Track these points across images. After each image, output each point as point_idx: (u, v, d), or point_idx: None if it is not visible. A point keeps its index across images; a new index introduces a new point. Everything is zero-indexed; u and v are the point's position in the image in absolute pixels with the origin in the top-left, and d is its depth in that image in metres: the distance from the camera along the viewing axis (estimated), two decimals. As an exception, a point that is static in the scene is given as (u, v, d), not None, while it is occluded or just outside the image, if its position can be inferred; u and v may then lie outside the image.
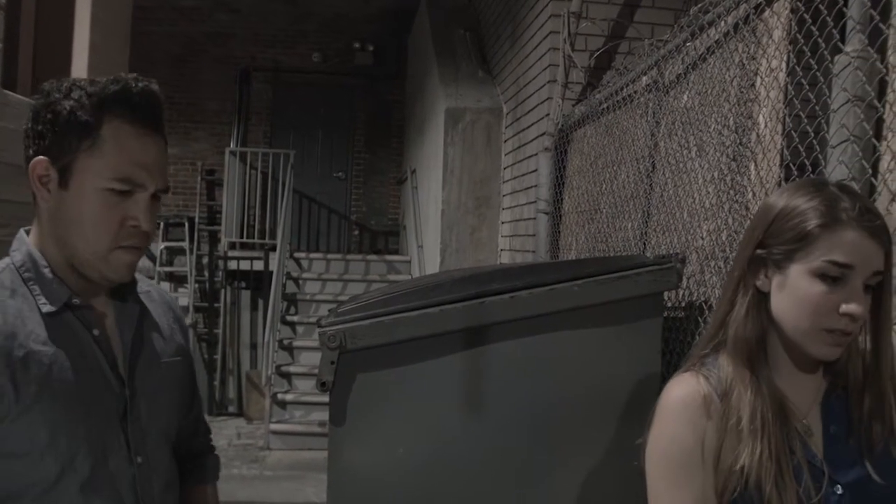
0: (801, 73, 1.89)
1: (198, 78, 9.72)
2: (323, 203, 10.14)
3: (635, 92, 3.11)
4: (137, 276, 1.39)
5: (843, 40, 1.66)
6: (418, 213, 7.54)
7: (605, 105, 3.45)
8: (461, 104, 6.05)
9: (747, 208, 2.16)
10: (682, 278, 2.09)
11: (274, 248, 7.69)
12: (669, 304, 2.41)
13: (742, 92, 2.29)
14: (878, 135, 1.63)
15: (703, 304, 2.29)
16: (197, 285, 8.96)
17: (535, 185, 4.35)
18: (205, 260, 9.17)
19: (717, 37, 2.42)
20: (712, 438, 1.17)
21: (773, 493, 1.10)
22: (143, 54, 7.38)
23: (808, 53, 1.84)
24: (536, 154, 4.41)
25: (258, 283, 8.43)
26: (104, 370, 1.24)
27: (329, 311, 2.06)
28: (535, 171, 4.39)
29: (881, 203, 1.61)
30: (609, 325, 1.99)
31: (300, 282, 7.82)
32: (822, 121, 1.74)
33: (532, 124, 4.80)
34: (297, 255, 8.18)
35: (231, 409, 8.90)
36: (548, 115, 4.30)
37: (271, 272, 7.44)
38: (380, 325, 1.86)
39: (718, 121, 2.41)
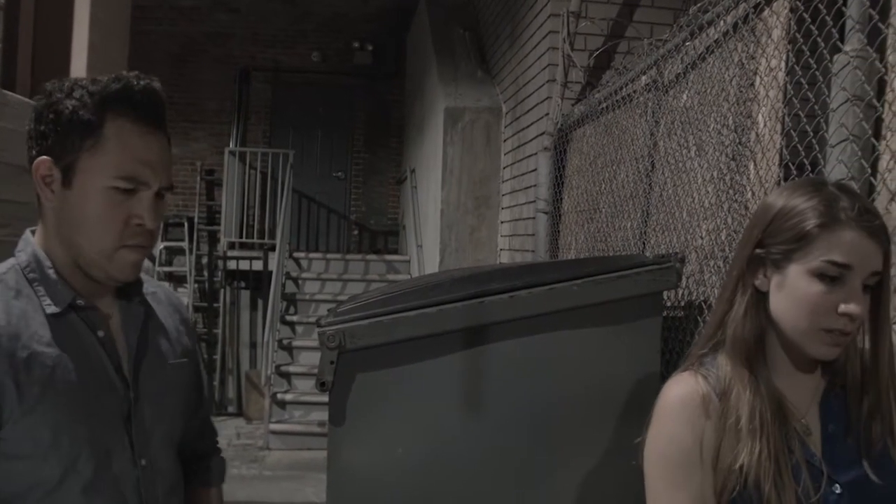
0: (800, 73, 1.89)
1: (197, 78, 9.72)
2: (322, 203, 10.14)
3: (634, 91, 3.11)
4: (144, 276, 1.39)
5: (842, 40, 1.66)
6: (417, 213, 7.54)
7: (604, 104, 3.45)
8: (460, 104, 6.05)
9: (746, 208, 2.16)
10: (682, 278, 2.09)
11: (273, 248, 7.69)
12: (669, 304, 2.41)
13: (741, 91, 2.29)
14: (877, 134, 1.63)
15: (703, 304, 2.29)
16: (196, 285, 8.96)
17: (535, 185, 4.35)
18: (204, 260, 9.17)
19: (716, 36, 2.42)
20: (711, 438, 1.17)
21: (771, 493, 1.10)
22: (143, 54, 7.37)
23: (808, 53, 1.84)
24: (536, 154, 4.41)
25: (257, 282, 8.43)
26: (108, 372, 1.24)
27: (328, 310, 2.06)
28: (535, 170, 4.39)
29: (880, 202, 1.61)
30: (608, 325, 1.99)
31: (299, 281, 7.82)
32: (822, 120, 1.74)
33: (531, 124, 4.80)
34: (296, 254, 8.18)
35: (230, 409, 8.90)
36: (547, 114, 4.30)
37: (270, 272, 7.44)
38: (379, 324, 1.86)
39: (718, 120, 2.41)
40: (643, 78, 3.03)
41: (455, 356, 1.91)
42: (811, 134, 1.82)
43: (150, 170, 1.20)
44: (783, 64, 2.06)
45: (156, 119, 1.23)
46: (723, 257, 2.22)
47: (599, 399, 1.97)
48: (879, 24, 1.60)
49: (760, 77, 2.18)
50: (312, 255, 8.28)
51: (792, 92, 1.96)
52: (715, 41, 2.43)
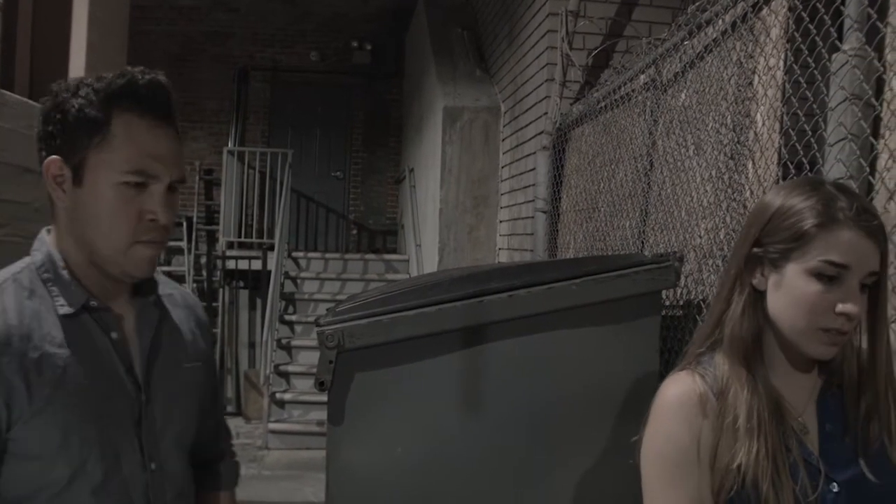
0: (798, 72, 1.89)
1: (196, 77, 9.71)
2: (321, 202, 10.13)
3: (633, 90, 3.11)
4: (161, 278, 1.38)
5: (840, 39, 1.66)
6: (416, 213, 7.54)
7: (602, 104, 3.45)
8: (459, 103, 6.05)
9: (745, 207, 2.16)
10: (681, 277, 2.09)
11: (272, 248, 7.68)
12: (667, 303, 2.41)
13: (740, 90, 2.29)
14: (876, 133, 1.63)
15: (702, 303, 2.29)
16: (195, 285, 8.94)
17: (533, 184, 4.35)
18: (203, 259, 9.16)
19: (714, 35, 2.42)
20: (708, 437, 1.17)
21: (769, 492, 1.11)
22: (142, 53, 7.36)
23: (806, 52, 1.84)
24: (534, 153, 4.41)
25: (256, 282, 8.42)
26: (120, 374, 1.23)
27: (327, 310, 2.06)
28: (533, 169, 4.40)
29: (879, 201, 1.61)
30: (607, 324, 1.99)
31: (298, 281, 7.82)
32: (820, 119, 1.74)
33: (530, 123, 4.80)
34: (295, 254, 8.18)
35: (229, 408, 8.88)
36: (546, 113, 4.30)
37: (269, 271, 7.43)
38: (378, 324, 1.86)
39: (716, 119, 2.41)
40: (642, 77, 3.03)
41: (454, 355, 1.91)
42: (809, 133, 1.82)
43: (159, 163, 1.19)
44: (781, 63, 2.06)
45: (163, 112, 1.22)
46: (721, 256, 2.22)
47: (598, 398, 1.97)
48: (878, 23, 1.60)
49: (759, 76, 2.18)
50: (311, 254, 8.28)
51: (790, 91, 1.96)
52: (713, 40, 2.43)
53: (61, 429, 1.15)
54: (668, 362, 2.21)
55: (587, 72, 4.21)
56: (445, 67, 6.57)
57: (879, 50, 1.62)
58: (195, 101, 9.65)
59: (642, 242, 2.93)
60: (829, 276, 1.12)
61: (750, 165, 2.18)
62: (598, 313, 1.97)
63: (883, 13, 1.63)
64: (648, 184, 2.92)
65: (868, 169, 1.60)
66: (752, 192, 2.15)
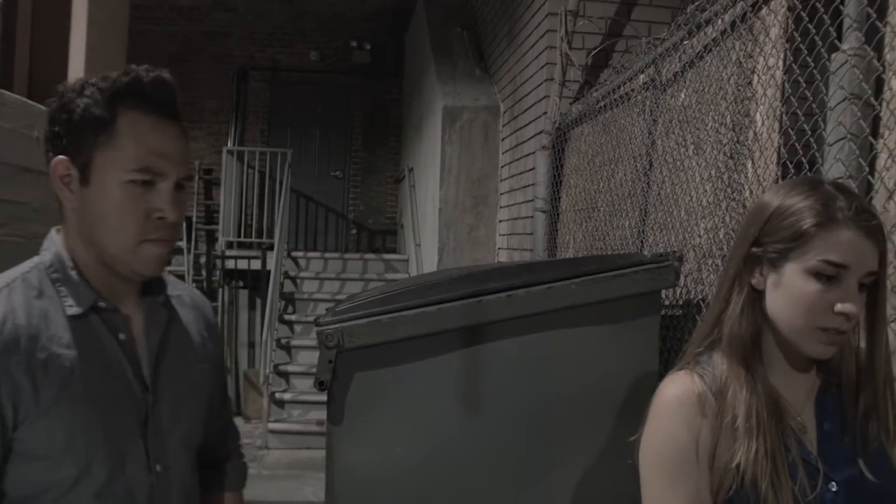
0: (797, 71, 1.89)
1: (195, 77, 9.70)
2: (320, 202, 10.13)
3: (632, 90, 3.11)
4: (171, 278, 1.38)
5: (839, 38, 1.66)
6: (416, 212, 7.54)
7: (602, 103, 3.45)
8: (458, 103, 6.05)
9: (745, 206, 2.16)
10: (680, 276, 2.09)
11: (271, 248, 7.67)
12: (667, 303, 2.41)
13: (739, 90, 2.29)
14: (875, 132, 1.63)
15: (701, 303, 2.29)
16: (194, 285, 8.93)
17: (533, 184, 4.35)
18: (202, 259, 9.15)
19: (714, 35, 2.42)
20: (707, 437, 1.17)
21: (768, 492, 1.11)
22: (141, 53, 7.32)
23: (805, 51, 1.84)
24: (534, 152, 4.41)
25: (256, 282, 8.42)
26: (127, 375, 1.22)
27: (327, 309, 2.06)
28: (533, 169, 4.40)
29: (878, 200, 1.61)
30: (607, 324, 1.99)
31: (298, 281, 7.82)
32: (819, 118, 1.74)
33: (529, 123, 4.80)
34: (294, 254, 8.18)
35: (229, 408, 8.88)
36: (545, 113, 4.30)
37: (269, 271, 7.43)
38: (377, 323, 1.86)
39: (716, 119, 2.41)
40: (641, 76, 3.03)
41: (453, 355, 1.91)
42: (809, 132, 1.82)
43: (166, 160, 1.19)
44: (781, 62, 2.06)
45: (168, 109, 1.22)
46: (721, 256, 2.22)
47: (597, 398, 1.97)
48: (877, 23, 1.60)
49: (758, 76, 2.18)
50: (311, 254, 8.28)
51: (790, 90, 1.96)
52: (713, 40, 2.43)
53: (67, 429, 1.15)
54: (668, 362, 2.21)
55: (586, 71, 4.21)
56: (445, 67, 6.57)
57: (879, 49, 1.62)
58: (194, 100, 9.64)
59: (642, 242, 2.93)
60: (827, 276, 1.12)
61: (749, 165, 2.18)
62: (597, 313, 1.97)
63: (882, 13, 1.63)
64: (648, 183, 2.92)
65: (867, 168, 1.60)
66: (751, 192, 2.15)
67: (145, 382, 1.24)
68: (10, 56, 3.20)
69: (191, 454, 1.35)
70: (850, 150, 1.59)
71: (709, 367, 1.22)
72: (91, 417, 1.16)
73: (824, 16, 1.74)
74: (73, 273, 1.21)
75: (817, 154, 1.77)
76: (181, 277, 8.74)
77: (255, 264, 8.24)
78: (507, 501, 1.95)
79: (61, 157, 1.19)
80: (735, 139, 2.28)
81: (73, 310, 1.19)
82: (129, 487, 1.21)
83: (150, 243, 1.20)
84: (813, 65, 1.81)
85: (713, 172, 2.38)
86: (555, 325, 1.95)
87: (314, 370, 1.87)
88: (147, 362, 1.26)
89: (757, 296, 1.20)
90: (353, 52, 9.87)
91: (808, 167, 1.85)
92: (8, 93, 2.80)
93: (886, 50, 1.64)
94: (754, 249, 1.19)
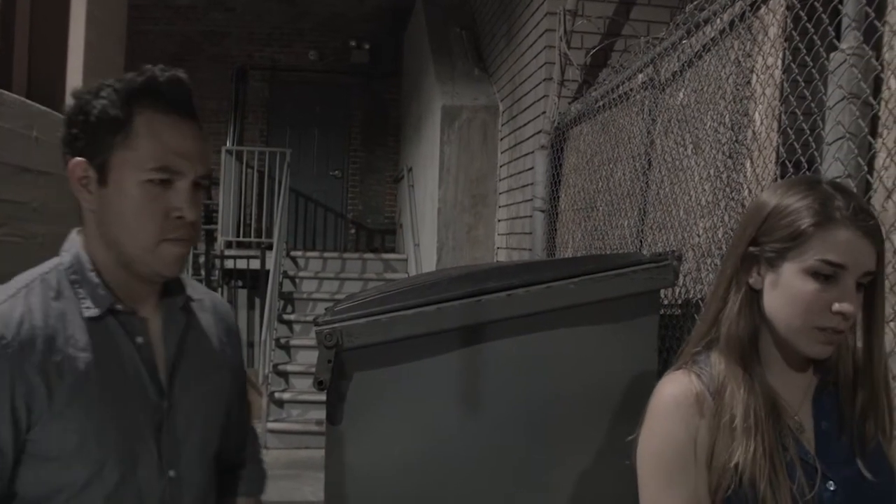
0: (796, 71, 1.89)
1: (194, 77, 9.33)
2: (319, 201, 10.13)
3: (631, 89, 3.11)
4: (192, 282, 1.38)
5: (838, 37, 1.66)
6: (415, 212, 7.54)
7: (601, 103, 3.45)
8: (457, 102, 6.05)
9: (743, 205, 2.17)
10: (679, 276, 2.09)
11: (270, 247, 7.67)
12: (666, 302, 2.41)
13: (738, 89, 2.29)
14: (874, 132, 1.63)
15: (700, 302, 2.29)
16: (194, 284, 8.92)
17: (532, 183, 4.35)
18: (201, 259, 9.13)
19: (712, 34, 2.42)
20: (705, 436, 1.17)
21: (766, 491, 1.11)
22: (140, 53, 7.33)
23: (804, 50, 1.84)
24: (533, 152, 4.41)
25: (255, 281, 8.42)
26: (143, 379, 1.21)
27: (326, 309, 2.06)
28: (532, 168, 4.40)
29: (877, 200, 1.62)
30: (606, 323, 1.99)
31: (297, 280, 7.82)
32: (818, 118, 1.74)
33: (528, 122, 4.80)
34: (293, 253, 8.17)
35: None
36: (544, 112, 4.30)
37: (268, 271, 7.43)
38: (376, 323, 1.86)
39: (714, 118, 2.41)
40: (640, 76, 3.03)
41: (452, 355, 1.92)
42: (808, 132, 1.82)
43: (183, 159, 1.19)
44: (779, 62, 2.06)
45: (184, 108, 1.22)
46: (720, 255, 2.22)
47: (596, 397, 1.97)
48: (875, 22, 1.60)
49: (757, 75, 2.18)
50: (310, 253, 8.28)
51: (788, 90, 1.97)
52: (711, 39, 2.43)
53: (80, 432, 1.14)
54: (667, 361, 2.21)
55: (585, 71, 4.21)
56: (444, 67, 6.57)
57: (877, 49, 1.62)
58: (193, 100, 9.64)
59: (641, 241, 2.94)
60: (825, 276, 1.12)
61: (748, 164, 2.19)
62: (596, 312, 1.97)
63: (881, 12, 1.63)
64: (647, 183, 2.92)
65: (866, 167, 1.60)
66: (750, 191, 2.15)
67: (161, 387, 1.24)
68: (8, 56, 3.20)
69: (207, 460, 1.33)
70: (848, 150, 1.59)
71: (706, 367, 1.22)
72: (104, 420, 1.16)
73: (823, 15, 1.74)
74: (92, 275, 1.20)
75: (816, 153, 1.78)
76: (180, 277, 8.75)
77: (254, 264, 8.24)
78: (506, 501, 1.95)
79: (79, 158, 1.18)
80: (734, 138, 2.28)
81: (91, 312, 1.18)
82: (139, 491, 1.20)
83: (169, 243, 1.19)
84: (811, 64, 1.81)
85: (712, 172, 2.38)
86: (554, 325, 1.95)
87: (313, 370, 1.87)
88: (164, 367, 1.25)
89: (754, 295, 1.20)
90: (352, 51, 9.87)
91: (806, 166, 1.85)
92: (7, 93, 2.79)
93: (885, 49, 1.64)
94: (752, 249, 1.19)
